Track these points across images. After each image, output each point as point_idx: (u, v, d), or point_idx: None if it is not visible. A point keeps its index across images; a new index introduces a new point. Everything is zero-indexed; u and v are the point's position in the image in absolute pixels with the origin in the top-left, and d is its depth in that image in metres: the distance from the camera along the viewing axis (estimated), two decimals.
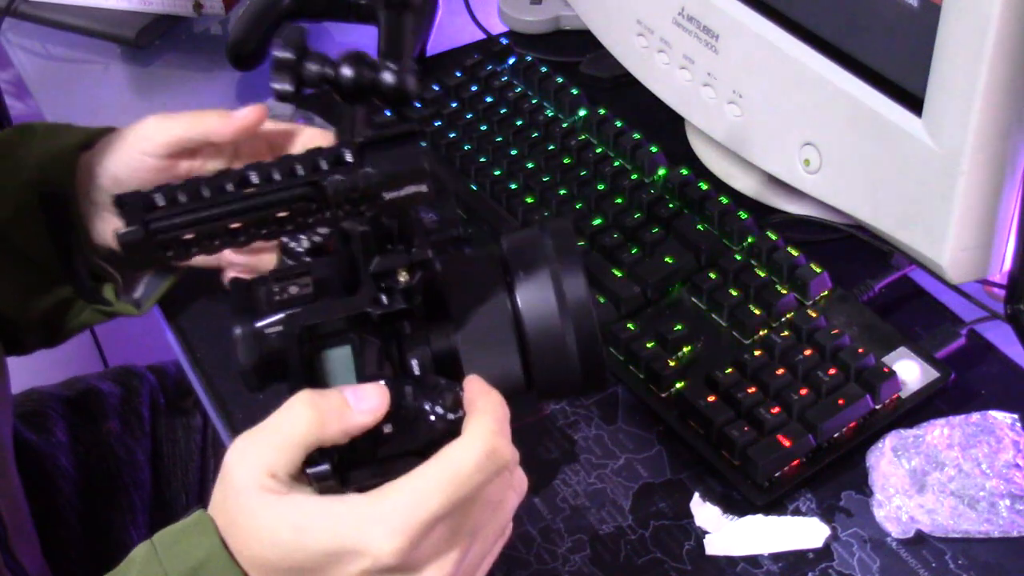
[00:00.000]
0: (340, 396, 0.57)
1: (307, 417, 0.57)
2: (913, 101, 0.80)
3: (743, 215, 0.92)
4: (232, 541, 0.59)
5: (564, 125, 1.01)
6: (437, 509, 0.56)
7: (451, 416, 0.59)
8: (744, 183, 1.01)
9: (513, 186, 0.97)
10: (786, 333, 0.84)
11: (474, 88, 1.07)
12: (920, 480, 0.78)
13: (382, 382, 0.58)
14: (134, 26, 1.23)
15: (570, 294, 0.63)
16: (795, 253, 0.89)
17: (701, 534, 0.78)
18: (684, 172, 0.96)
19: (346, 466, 0.59)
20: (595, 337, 0.63)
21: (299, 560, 0.57)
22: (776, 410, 0.80)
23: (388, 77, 0.61)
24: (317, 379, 0.60)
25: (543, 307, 0.63)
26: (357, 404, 0.57)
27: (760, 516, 0.78)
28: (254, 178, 0.57)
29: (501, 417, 0.59)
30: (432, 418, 0.59)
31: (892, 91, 0.82)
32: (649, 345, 0.85)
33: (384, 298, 0.60)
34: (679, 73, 0.97)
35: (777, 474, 0.79)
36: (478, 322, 0.63)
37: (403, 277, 0.60)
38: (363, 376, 0.59)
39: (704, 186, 0.94)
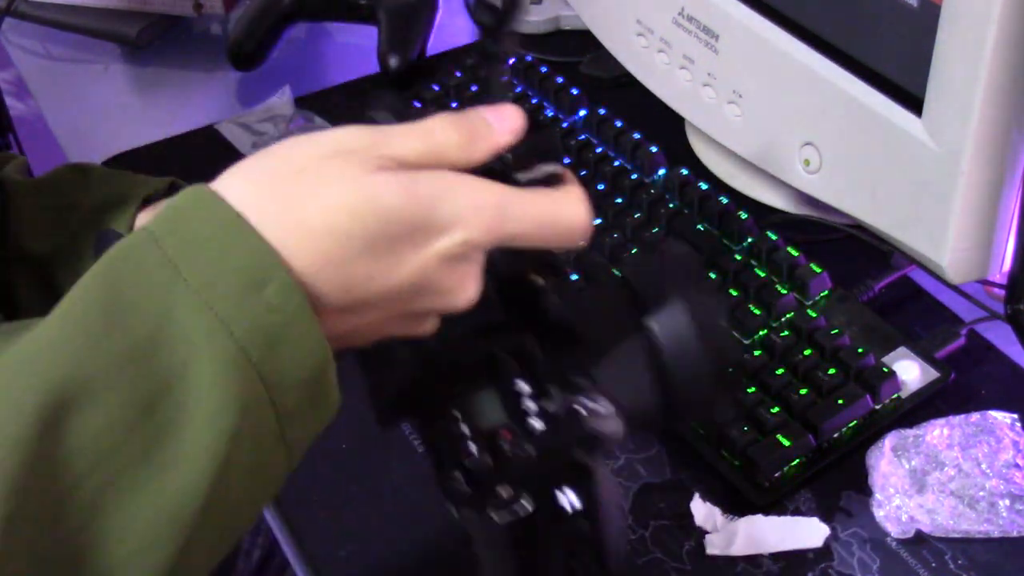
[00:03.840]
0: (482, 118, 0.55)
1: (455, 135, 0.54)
2: (913, 101, 0.80)
3: (743, 215, 0.92)
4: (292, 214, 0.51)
5: (564, 125, 1.01)
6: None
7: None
8: (744, 183, 1.01)
9: None
10: (786, 333, 0.84)
11: (474, 88, 1.07)
12: (920, 480, 0.78)
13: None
14: (134, 26, 1.23)
15: (706, 320, 0.59)
16: (795, 253, 0.89)
17: (701, 534, 0.78)
18: (684, 172, 0.96)
19: None
20: (729, 365, 0.61)
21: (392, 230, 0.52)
22: (776, 410, 0.80)
23: None
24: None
25: (679, 337, 0.59)
26: (499, 124, 0.55)
27: (760, 516, 0.78)
28: None
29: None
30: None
31: (892, 91, 0.82)
32: None
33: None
34: (679, 73, 0.97)
35: (777, 474, 0.79)
36: (613, 351, 0.59)
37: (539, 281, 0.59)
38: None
39: (704, 186, 0.94)
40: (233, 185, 0.52)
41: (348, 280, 0.52)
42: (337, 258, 0.51)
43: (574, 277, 0.63)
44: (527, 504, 0.56)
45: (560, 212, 0.55)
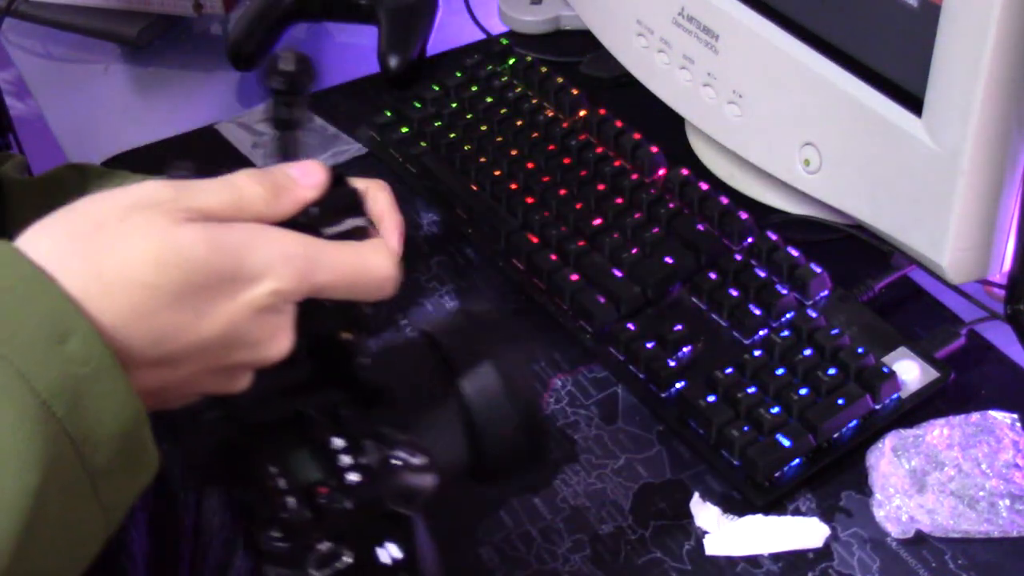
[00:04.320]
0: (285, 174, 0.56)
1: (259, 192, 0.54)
2: (913, 101, 0.80)
3: (743, 215, 0.92)
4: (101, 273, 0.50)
5: (564, 125, 1.01)
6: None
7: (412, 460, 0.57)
8: (744, 183, 1.01)
9: (513, 186, 0.97)
10: (786, 333, 0.84)
11: (474, 88, 1.07)
12: (920, 480, 0.78)
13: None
14: (134, 26, 1.22)
15: (512, 379, 0.63)
16: (795, 253, 0.89)
17: (701, 534, 0.78)
18: (684, 172, 0.96)
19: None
20: (541, 420, 0.64)
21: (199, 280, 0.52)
22: (776, 410, 0.80)
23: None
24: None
25: (489, 392, 0.62)
26: (303, 179, 0.56)
27: (760, 516, 0.78)
28: None
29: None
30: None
31: (892, 91, 0.82)
32: (649, 345, 0.85)
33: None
34: (679, 73, 0.97)
35: (777, 474, 0.79)
36: (423, 407, 0.62)
37: (345, 335, 0.59)
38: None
39: (704, 186, 0.94)
40: (35, 241, 0.51)
41: (157, 332, 0.51)
42: (144, 310, 0.51)
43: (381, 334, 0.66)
44: (347, 559, 0.55)
45: (367, 263, 0.56)
